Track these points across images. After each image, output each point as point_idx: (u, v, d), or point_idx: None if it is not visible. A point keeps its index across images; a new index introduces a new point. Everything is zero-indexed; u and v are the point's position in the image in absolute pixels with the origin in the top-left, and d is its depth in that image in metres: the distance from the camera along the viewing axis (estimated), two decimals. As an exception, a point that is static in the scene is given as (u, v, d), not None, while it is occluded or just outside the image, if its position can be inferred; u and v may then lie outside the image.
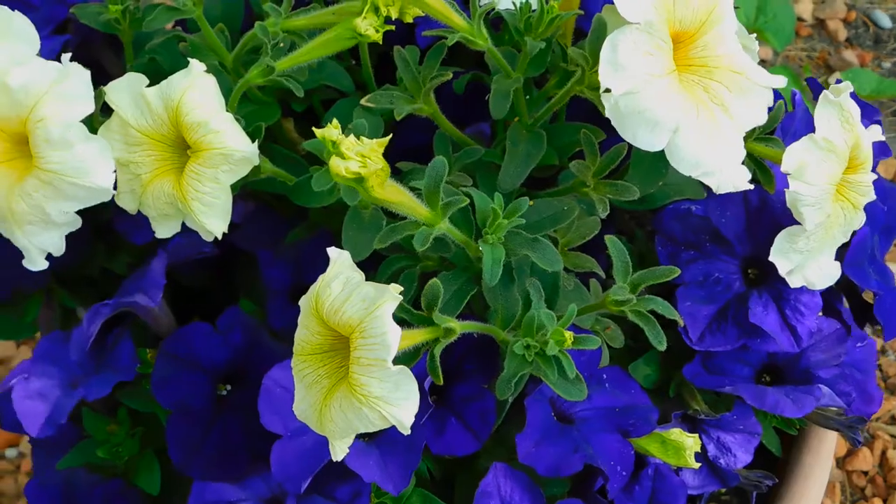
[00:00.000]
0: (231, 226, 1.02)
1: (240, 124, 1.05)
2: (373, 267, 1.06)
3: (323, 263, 1.00)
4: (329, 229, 1.17)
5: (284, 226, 1.21)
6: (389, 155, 1.08)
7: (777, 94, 1.21)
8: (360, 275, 0.86)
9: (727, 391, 1.16)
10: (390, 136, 0.89)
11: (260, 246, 1.18)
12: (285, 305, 1.17)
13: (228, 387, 1.15)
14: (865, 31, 2.57)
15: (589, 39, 0.99)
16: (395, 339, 0.81)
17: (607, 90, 0.88)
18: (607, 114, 0.90)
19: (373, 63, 1.18)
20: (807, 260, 1.05)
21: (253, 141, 1.00)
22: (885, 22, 2.58)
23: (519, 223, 0.95)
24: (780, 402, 1.15)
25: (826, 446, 1.32)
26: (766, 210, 1.16)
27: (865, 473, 1.82)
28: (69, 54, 0.99)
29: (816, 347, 1.18)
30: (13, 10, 1.07)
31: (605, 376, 1.11)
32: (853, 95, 1.30)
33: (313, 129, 0.94)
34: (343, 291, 0.85)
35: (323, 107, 1.28)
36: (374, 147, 0.87)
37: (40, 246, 1.01)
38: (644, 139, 0.91)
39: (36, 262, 1.02)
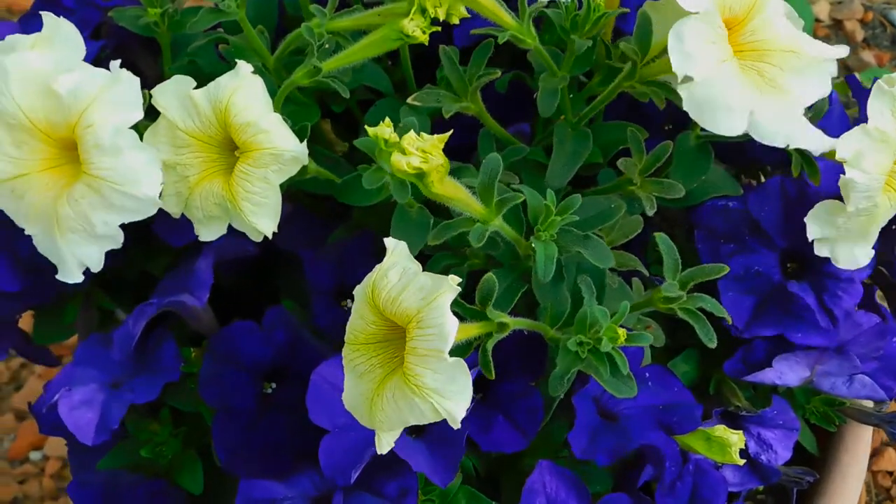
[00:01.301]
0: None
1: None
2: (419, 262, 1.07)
3: (366, 263, 1.01)
4: (371, 229, 1.18)
5: (322, 227, 1.21)
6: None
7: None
8: (416, 265, 0.86)
9: (773, 379, 1.16)
10: (451, 131, 0.89)
11: (300, 247, 1.18)
12: (329, 305, 1.17)
13: (273, 385, 1.15)
14: (882, 32, 2.57)
15: (636, 34, 1.00)
16: (453, 329, 0.81)
17: (686, 78, 0.89)
18: (684, 105, 0.91)
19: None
20: (841, 238, 1.06)
21: (301, 141, 1.01)
22: (903, 23, 2.58)
23: (572, 220, 0.96)
24: (836, 384, 1.16)
25: (862, 445, 1.33)
26: (804, 203, 1.16)
27: (890, 474, 1.82)
28: (118, 61, 0.99)
29: (856, 342, 1.19)
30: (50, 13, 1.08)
31: (647, 374, 1.12)
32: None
33: (366, 127, 0.95)
34: (400, 281, 0.85)
35: (359, 107, 1.29)
36: (435, 142, 0.88)
37: (80, 257, 1.00)
38: (725, 124, 0.92)
39: (72, 274, 1.01)
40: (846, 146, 1.00)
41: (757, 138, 0.94)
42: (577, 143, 1.08)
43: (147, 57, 1.33)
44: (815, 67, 0.99)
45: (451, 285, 0.82)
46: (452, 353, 0.82)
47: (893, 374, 1.20)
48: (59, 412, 1.12)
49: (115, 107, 0.98)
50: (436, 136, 0.88)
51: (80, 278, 1.01)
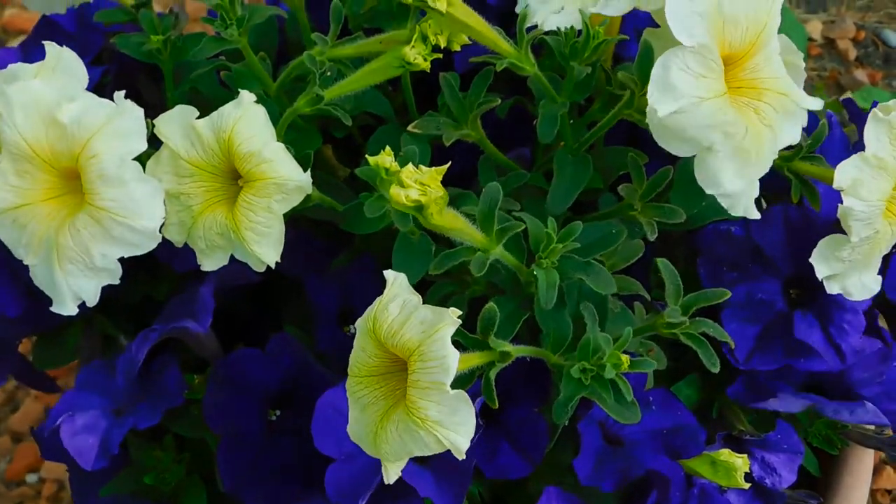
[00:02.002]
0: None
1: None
2: (419, 292, 1.07)
3: (369, 288, 1.01)
4: (373, 254, 1.18)
5: (325, 252, 1.22)
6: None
7: (815, 117, 1.23)
8: (417, 297, 0.86)
9: (776, 408, 1.16)
10: (449, 163, 0.90)
11: (304, 272, 1.19)
12: (333, 330, 1.17)
13: (278, 412, 1.16)
14: (875, 51, 2.58)
15: (638, 62, 1.00)
16: (455, 362, 0.81)
17: (653, 112, 0.89)
18: (650, 127, 0.91)
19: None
20: (848, 270, 1.06)
21: (305, 170, 1.01)
22: (895, 41, 2.59)
23: (573, 247, 0.96)
24: (840, 410, 1.16)
25: (865, 466, 1.33)
26: (807, 229, 1.17)
27: (889, 492, 1.82)
28: (122, 91, 1.00)
29: (859, 366, 1.18)
30: (51, 38, 1.08)
31: (651, 398, 1.12)
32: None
33: (367, 156, 0.95)
34: (401, 314, 0.85)
35: (360, 133, 1.29)
36: (433, 174, 0.88)
37: (76, 290, 1.00)
38: (678, 150, 0.93)
39: (66, 306, 1.00)
40: (843, 175, 1.00)
41: (696, 175, 0.94)
42: (578, 169, 1.08)
43: (149, 83, 1.34)
44: (798, 114, 0.99)
45: (451, 318, 0.83)
46: (455, 383, 0.83)
47: (896, 398, 1.20)
48: (62, 437, 1.12)
49: (120, 137, 0.98)
50: (434, 168, 0.88)
51: (74, 311, 1.01)
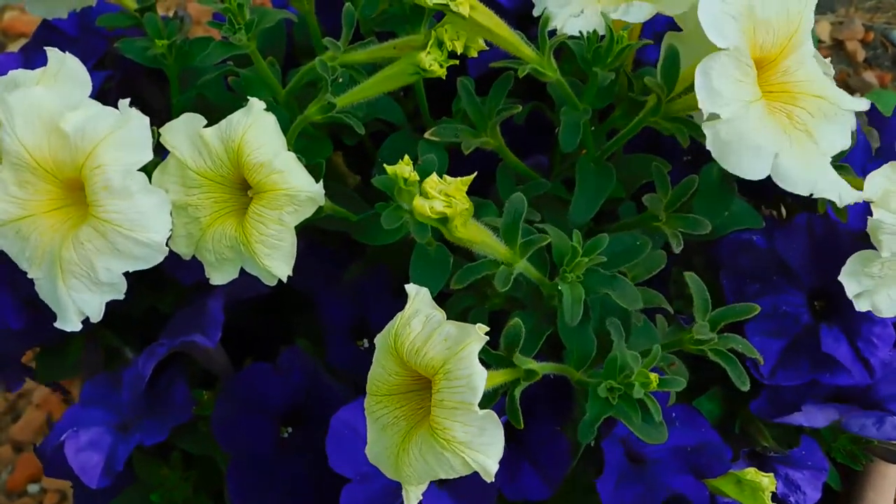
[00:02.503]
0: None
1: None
2: (437, 303, 1.03)
3: (383, 300, 0.97)
4: (386, 265, 1.14)
5: (336, 261, 1.18)
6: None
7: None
8: (440, 313, 0.83)
9: (801, 422, 1.13)
10: (475, 174, 0.86)
11: (314, 284, 1.15)
12: (346, 343, 1.14)
13: (290, 429, 1.12)
14: (884, 52, 2.56)
15: (663, 67, 0.96)
16: (482, 381, 0.78)
17: (712, 116, 0.86)
18: (708, 144, 0.88)
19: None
20: (879, 287, 1.02)
21: (316, 180, 0.97)
22: (904, 42, 2.57)
23: (599, 261, 0.93)
24: (866, 425, 1.12)
25: (889, 482, 1.29)
26: (832, 240, 1.13)
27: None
28: (127, 99, 0.96)
29: (887, 380, 1.15)
30: (52, 43, 1.05)
31: (674, 415, 1.09)
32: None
33: (384, 165, 0.92)
34: (424, 330, 0.82)
35: (371, 139, 1.26)
36: (459, 185, 0.84)
37: (80, 305, 0.96)
38: (748, 166, 0.89)
39: (70, 322, 0.97)
40: (873, 186, 0.97)
41: (780, 184, 0.90)
42: (601, 178, 1.04)
43: (154, 88, 1.30)
44: (841, 117, 0.95)
45: (478, 335, 0.79)
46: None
47: (925, 414, 1.17)
48: (66, 453, 1.09)
49: (125, 147, 0.94)
50: (459, 178, 0.84)
51: (78, 327, 0.97)
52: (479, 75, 1.15)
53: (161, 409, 1.10)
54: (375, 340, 0.87)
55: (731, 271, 1.16)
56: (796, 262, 1.14)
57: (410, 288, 0.84)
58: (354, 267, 1.16)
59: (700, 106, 0.86)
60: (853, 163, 1.23)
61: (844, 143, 0.95)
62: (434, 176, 0.84)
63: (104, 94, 1.26)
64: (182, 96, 1.20)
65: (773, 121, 0.89)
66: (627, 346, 1.03)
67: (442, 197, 0.83)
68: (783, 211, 1.31)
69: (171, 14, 1.30)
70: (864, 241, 1.03)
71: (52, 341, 1.26)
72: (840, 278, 1.03)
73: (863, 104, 0.96)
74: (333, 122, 1.07)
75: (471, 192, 1.13)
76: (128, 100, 0.97)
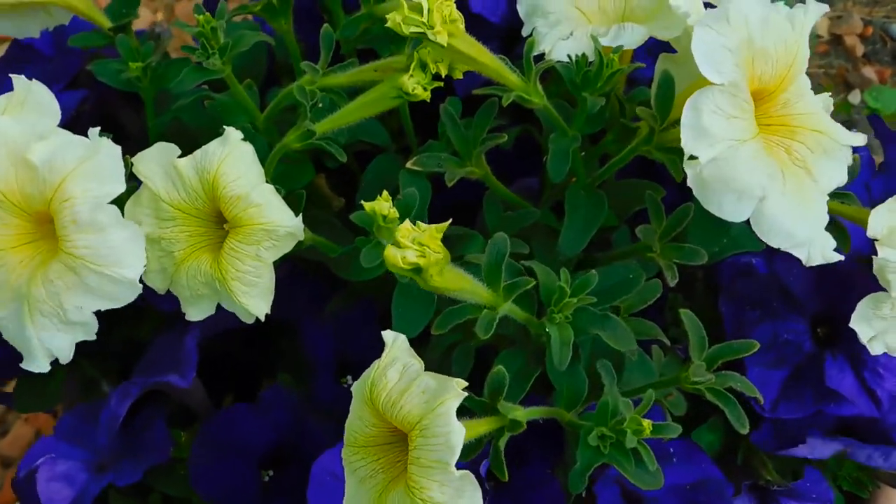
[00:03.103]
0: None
1: (275, 185, 0.98)
2: (422, 339, 0.99)
3: (368, 334, 0.93)
4: (372, 297, 1.10)
5: (320, 290, 1.14)
6: (432, 215, 1.02)
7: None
8: (418, 362, 0.79)
9: (805, 454, 1.08)
10: (450, 221, 0.82)
11: (297, 315, 1.11)
12: (330, 378, 1.10)
13: (271, 472, 1.08)
14: (883, 47, 2.51)
15: (656, 95, 0.92)
16: (460, 440, 0.74)
17: (692, 157, 0.81)
18: (689, 183, 0.82)
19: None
20: (891, 326, 0.97)
21: (297, 210, 0.93)
22: (903, 37, 2.53)
23: (588, 301, 0.88)
24: (873, 455, 1.09)
25: (894, 508, 1.25)
26: (835, 264, 1.09)
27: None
28: (97, 129, 0.91)
29: (893, 408, 1.11)
30: (26, 61, 1.00)
31: (672, 450, 1.04)
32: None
33: (362, 202, 0.88)
34: (400, 381, 0.78)
35: (356, 160, 1.21)
36: (433, 233, 0.80)
37: (48, 345, 0.91)
38: (730, 209, 0.83)
39: (38, 362, 0.92)
40: (878, 222, 0.92)
41: (755, 230, 0.85)
42: (591, 208, 1.00)
43: (130, 109, 1.25)
44: (839, 152, 0.90)
45: (456, 390, 0.75)
46: (461, 453, 0.75)
47: (934, 444, 1.12)
48: (37, 478, 1.05)
49: (95, 179, 0.89)
50: (434, 226, 0.80)
51: (46, 368, 0.92)
52: (468, 94, 1.10)
53: (138, 449, 1.06)
54: (352, 388, 0.83)
55: (730, 297, 1.11)
56: (798, 288, 1.10)
57: (387, 335, 0.80)
58: (338, 298, 1.12)
59: (682, 144, 0.81)
60: (856, 179, 1.18)
61: (842, 178, 0.90)
62: (407, 223, 0.79)
63: (78, 118, 1.21)
64: (158, 120, 1.15)
65: (768, 158, 0.83)
66: (622, 381, 0.99)
67: (415, 246, 0.79)
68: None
69: (158, 17, 1.25)
70: (868, 265, 0.98)
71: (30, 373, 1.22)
72: (851, 324, 0.98)
73: (860, 139, 0.91)
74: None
75: (457, 220, 1.09)
76: (97, 129, 0.92)
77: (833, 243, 0.89)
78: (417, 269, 0.80)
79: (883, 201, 1.23)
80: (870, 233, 0.93)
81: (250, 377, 1.13)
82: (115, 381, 1.21)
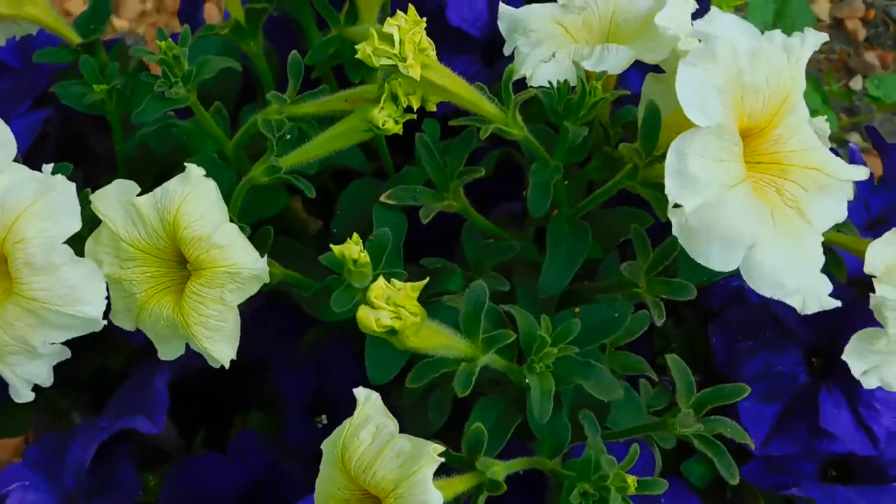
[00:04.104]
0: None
1: (242, 214, 0.94)
2: (399, 379, 0.95)
3: (345, 368, 0.89)
4: (347, 333, 1.06)
5: (295, 324, 1.09)
6: (409, 239, 0.98)
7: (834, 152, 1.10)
8: (392, 423, 0.75)
9: (794, 493, 1.04)
10: (427, 280, 0.77)
11: (270, 352, 1.06)
12: (302, 421, 1.05)
13: (242, 523, 1.04)
14: (885, 31, 2.46)
15: (641, 128, 0.87)
16: None
17: (677, 205, 0.76)
18: (674, 231, 0.77)
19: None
20: (886, 361, 0.93)
21: (264, 253, 0.89)
22: (906, 19, 2.48)
23: (570, 351, 0.84)
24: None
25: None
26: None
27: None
28: (51, 165, 0.87)
29: (890, 444, 1.06)
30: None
31: (658, 489, 1.00)
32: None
33: (330, 245, 0.83)
34: (373, 444, 0.75)
35: (333, 180, 1.16)
36: (409, 293, 0.75)
37: (26, 377, 0.89)
38: (717, 259, 0.78)
39: (21, 394, 0.90)
40: (875, 258, 0.87)
41: (746, 280, 0.80)
42: (574, 242, 0.95)
43: (97, 130, 1.21)
44: (837, 188, 0.84)
45: (432, 456, 0.71)
46: None
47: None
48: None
49: (50, 218, 0.86)
50: (409, 284, 0.75)
51: (31, 396, 0.91)
52: (447, 112, 1.05)
53: (106, 491, 1.02)
54: (322, 446, 0.79)
55: (721, 326, 1.07)
56: (791, 317, 1.05)
57: (359, 393, 0.77)
58: (312, 334, 1.07)
59: (667, 191, 0.76)
60: (855, 195, 1.14)
61: (840, 215, 0.85)
62: (381, 281, 0.75)
63: (43, 141, 1.17)
64: (125, 144, 1.11)
65: (758, 202, 0.78)
66: (609, 420, 0.95)
67: (390, 307, 0.74)
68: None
69: (147, 6, 1.20)
70: (865, 290, 0.94)
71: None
72: (844, 357, 0.94)
73: (862, 173, 0.86)
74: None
75: (438, 243, 1.05)
76: (51, 165, 0.88)
77: (829, 287, 0.83)
78: (392, 332, 0.75)
79: (882, 219, 1.19)
80: (867, 269, 0.88)
81: (225, 410, 1.09)
82: (87, 412, 1.17)
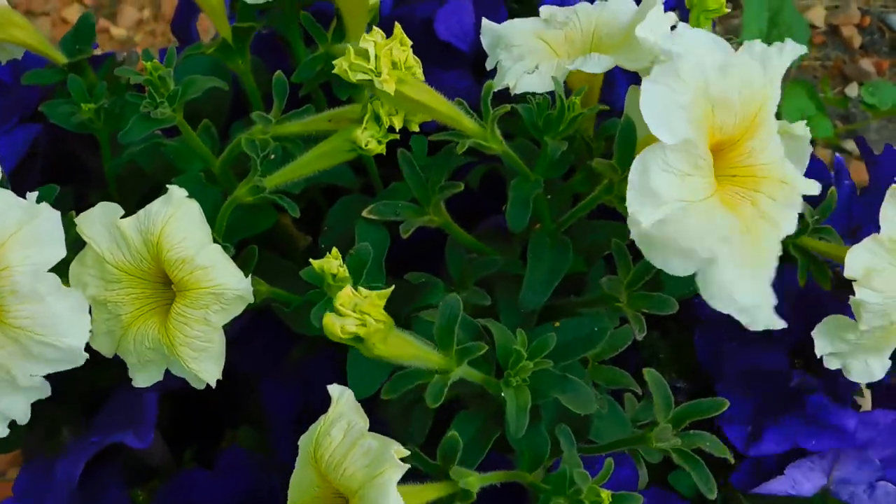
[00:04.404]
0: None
1: (230, 231, 0.95)
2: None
3: (328, 385, 0.90)
4: (334, 347, 1.06)
5: (284, 339, 1.10)
6: (393, 252, 0.99)
7: (825, 172, 1.11)
8: (363, 421, 0.77)
9: (786, 492, 1.05)
10: (392, 288, 0.78)
11: (258, 367, 1.07)
12: (292, 435, 1.05)
13: (232, 537, 1.05)
14: (881, 38, 2.46)
15: (617, 146, 0.87)
16: None
17: (635, 222, 0.76)
18: (635, 241, 0.78)
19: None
20: (854, 352, 0.95)
21: (249, 270, 0.90)
22: (902, 26, 2.48)
23: (545, 365, 0.85)
24: (856, 493, 1.06)
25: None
26: (814, 294, 1.05)
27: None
28: (35, 193, 0.88)
29: (876, 443, 1.07)
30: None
31: (645, 501, 1.00)
32: (893, 153, 1.19)
33: (310, 261, 0.84)
34: (344, 441, 0.76)
35: (323, 195, 1.17)
36: (375, 300, 0.76)
37: (4, 411, 0.89)
38: (677, 268, 0.78)
39: None
40: (855, 263, 0.88)
41: (700, 290, 0.79)
42: (556, 255, 0.96)
43: (87, 147, 1.22)
44: (797, 200, 0.84)
45: (395, 461, 0.73)
46: None
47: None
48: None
49: (34, 245, 0.86)
50: (376, 292, 0.76)
51: (5, 432, 0.90)
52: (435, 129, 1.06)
53: (95, 509, 1.03)
54: (299, 443, 0.81)
55: (704, 328, 1.08)
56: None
57: (334, 389, 0.79)
58: (298, 349, 1.08)
59: (628, 204, 0.76)
60: (838, 203, 1.14)
61: (792, 227, 0.85)
62: (347, 290, 0.76)
63: (32, 159, 1.18)
64: (114, 162, 1.12)
65: (727, 216, 0.78)
66: (593, 433, 0.96)
67: (356, 315, 0.75)
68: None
69: (144, 14, 1.21)
70: (847, 291, 0.95)
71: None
72: (812, 334, 0.96)
73: (814, 188, 0.86)
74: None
75: (424, 257, 1.06)
76: (35, 193, 0.89)
77: (774, 302, 0.83)
78: (358, 339, 0.76)
79: (864, 226, 1.20)
80: (847, 273, 0.89)
81: (216, 425, 1.10)
82: (78, 426, 1.18)
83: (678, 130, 0.76)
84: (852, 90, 2.37)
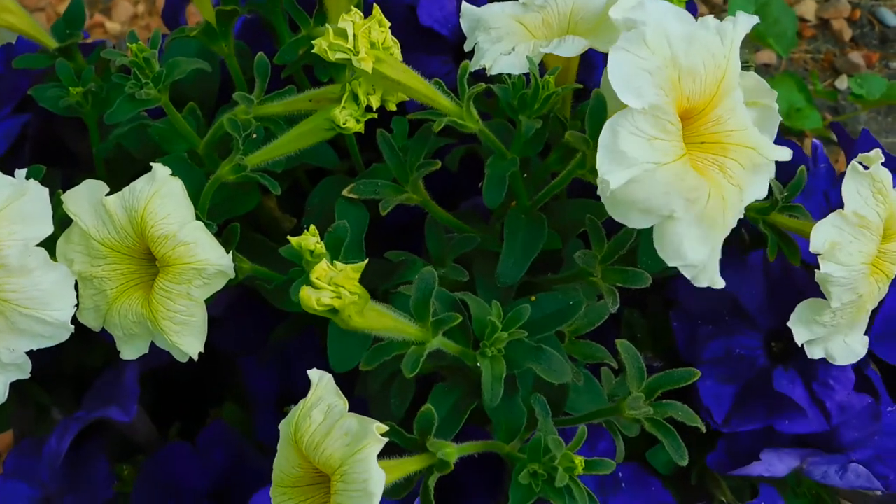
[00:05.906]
0: (210, 320, 0.93)
1: (214, 212, 0.97)
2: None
3: (312, 362, 0.92)
4: (315, 327, 1.08)
5: (268, 318, 1.12)
6: (377, 233, 1.01)
7: (800, 154, 1.13)
8: (343, 402, 0.78)
9: (760, 473, 1.07)
10: (366, 261, 0.80)
11: (243, 346, 1.09)
12: (271, 414, 1.08)
13: (212, 510, 1.06)
14: (871, 31, 2.48)
15: (588, 119, 0.89)
16: (378, 488, 0.73)
17: (605, 182, 0.79)
18: (602, 199, 0.80)
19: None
20: (831, 334, 0.96)
21: (230, 246, 0.91)
22: (892, 20, 2.49)
23: (520, 336, 0.87)
24: (828, 473, 1.07)
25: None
26: (789, 279, 1.07)
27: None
28: (24, 170, 0.90)
29: (848, 426, 1.09)
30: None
31: (620, 475, 1.02)
32: (868, 138, 1.21)
33: (288, 237, 0.86)
34: (324, 423, 0.77)
35: (308, 177, 1.19)
36: (350, 273, 0.78)
37: None
38: (636, 221, 0.81)
39: None
40: (820, 237, 0.90)
41: (654, 242, 0.83)
42: (531, 232, 0.97)
43: (75, 132, 1.24)
44: (766, 167, 0.87)
45: (375, 435, 0.74)
46: (389, 492, 0.77)
47: (890, 461, 1.10)
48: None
49: (22, 221, 0.88)
50: (350, 266, 0.78)
51: None
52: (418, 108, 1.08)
53: (82, 485, 1.05)
54: (280, 426, 0.82)
55: (680, 312, 1.10)
56: (751, 303, 1.08)
57: (313, 374, 0.80)
58: (280, 328, 1.10)
59: (597, 166, 0.78)
60: (815, 188, 1.16)
61: (762, 193, 0.87)
62: (323, 263, 0.78)
63: (22, 143, 1.20)
64: (102, 145, 1.14)
65: (696, 179, 0.80)
66: (569, 406, 0.97)
67: (331, 287, 0.77)
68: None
69: (139, 9, 1.23)
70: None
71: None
72: (789, 324, 0.97)
73: (785, 154, 0.88)
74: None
75: (408, 237, 1.08)
76: (24, 171, 0.91)
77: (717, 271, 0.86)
78: (333, 311, 0.78)
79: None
80: (812, 248, 0.91)
81: (202, 402, 1.11)
82: (68, 407, 1.20)
83: (645, 94, 0.78)
84: (842, 83, 2.39)
